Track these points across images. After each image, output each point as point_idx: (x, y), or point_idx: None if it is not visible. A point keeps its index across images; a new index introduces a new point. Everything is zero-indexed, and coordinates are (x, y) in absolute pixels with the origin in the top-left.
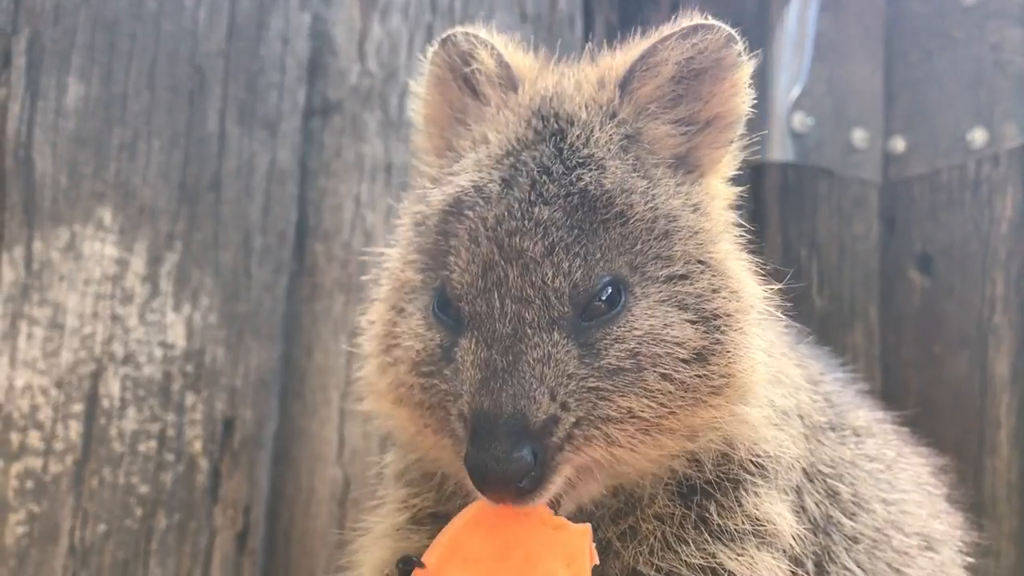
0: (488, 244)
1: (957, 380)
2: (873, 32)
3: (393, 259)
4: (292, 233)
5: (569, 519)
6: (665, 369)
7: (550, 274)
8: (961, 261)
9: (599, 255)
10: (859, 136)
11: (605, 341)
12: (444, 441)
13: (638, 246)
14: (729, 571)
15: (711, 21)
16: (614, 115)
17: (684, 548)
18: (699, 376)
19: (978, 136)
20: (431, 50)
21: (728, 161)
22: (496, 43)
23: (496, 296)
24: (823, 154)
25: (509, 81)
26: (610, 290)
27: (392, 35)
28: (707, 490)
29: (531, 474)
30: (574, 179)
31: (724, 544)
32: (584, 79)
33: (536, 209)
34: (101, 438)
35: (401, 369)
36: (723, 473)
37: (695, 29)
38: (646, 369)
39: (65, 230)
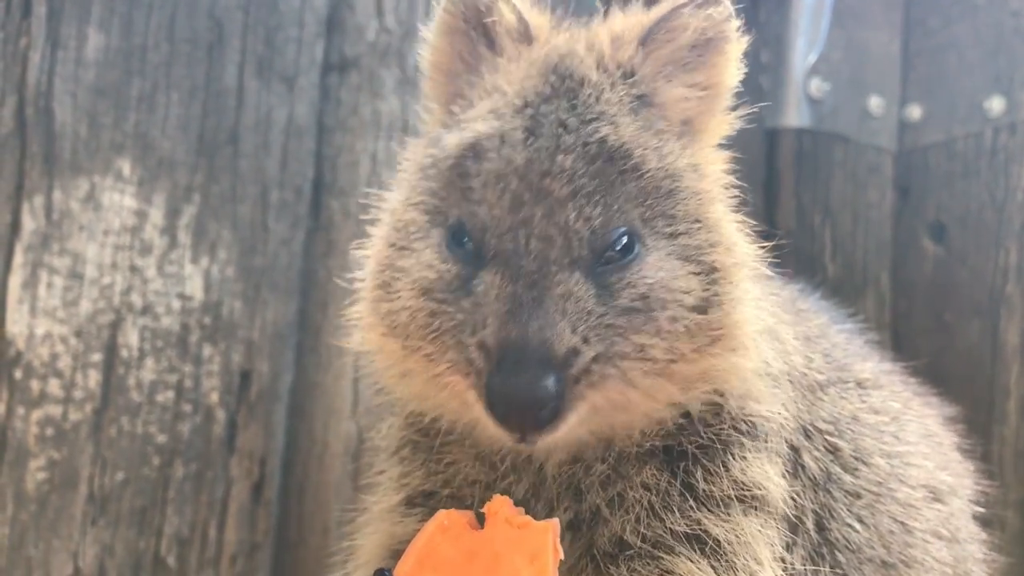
0: (518, 182)
1: (968, 349)
2: None
3: (394, 201)
4: (309, 189)
5: (544, 512)
6: (674, 313)
7: (573, 216)
8: (975, 230)
9: (616, 206)
10: (875, 103)
11: (619, 285)
12: (447, 372)
13: (648, 201)
14: (714, 537)
15: None
16: (632, 74)
17: (670, 516)
18: (700, 325)
19: (996, 104)
20: None
21: (720, 128)
22: None
23: (522, 234)
24: (839, 120)
25: (525, 36)
26: (625, 240)
27: None
28: (695, 455)
29: (551, 404)
30: (591, 131)
31: (709, 511)
32: (597, 39)
33: (560, 157)
34: (120, 387)
35: (405, 296)
36: (713, 435)
37: (708, 0)
38: (656, 311)
39: (84, 180)
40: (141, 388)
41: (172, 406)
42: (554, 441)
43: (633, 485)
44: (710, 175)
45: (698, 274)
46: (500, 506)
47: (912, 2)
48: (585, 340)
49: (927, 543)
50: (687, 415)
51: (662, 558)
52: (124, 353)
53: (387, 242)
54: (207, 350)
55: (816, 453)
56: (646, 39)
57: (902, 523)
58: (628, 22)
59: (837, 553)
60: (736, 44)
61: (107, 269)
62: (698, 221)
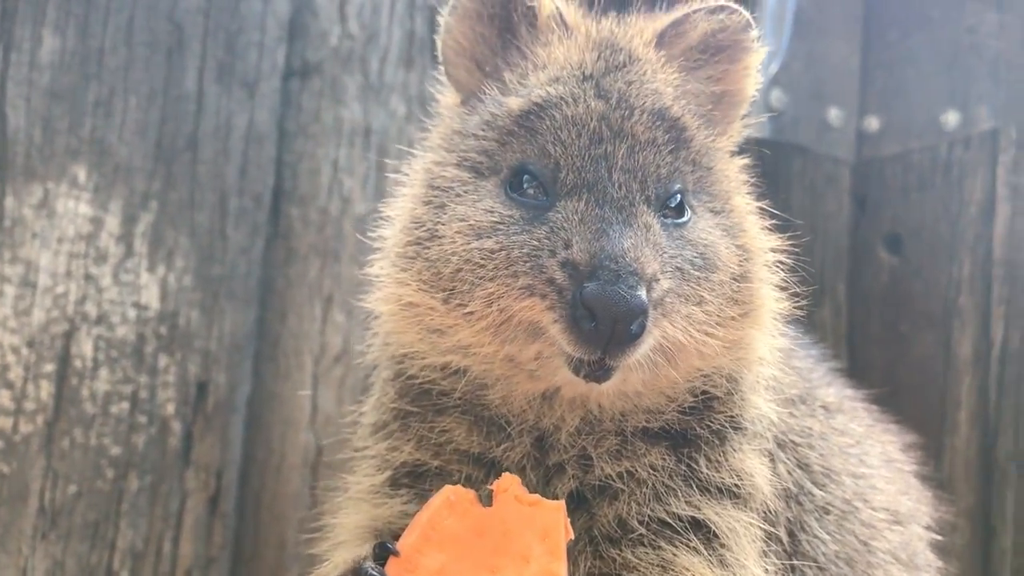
0: (598, 122)
1: (922, 359)
2: (852, 10)
3: (427, 161)
4: (268, 196)
5: (539, 483)
6: (724, 277)
7: (651, 158)
8: (930, 242)
9: (676, 165)
10: (834, 114)
11: (679, 240)
12: (518, 299)
13: (696, 172)
14: (712, 524)
15: (734, 4)
16: (665, 65)
17: (673, 500)
18: (741, 294)
19: (951, 118)
20: None
21: (733, 136)
22: None
23: (604, 166)
24: (798, 131)
25: (564, 25)
26: (679, 198)
27: None
28: (697, 443)
29: (641, 319)
30: (653, 100)
31: (710, 497)
32: (632, 29)
33: (637, 110)
34: (73, 399)
35: (457, 242)
36: (719, 425)
37: (721, 7)
38: (711, 271)
39: (39, 187)
40: (95, 399)
41: (127, 418)
42: (619, 381)
43: (642, 464)
44: (731, 169)
45: (735, 250)
46: (509, 484)
47: (871, 15)
48: (663, 271)
49: (888, 564)
50: (694, 405)
51: (662, 548)
52: (78, 363)
53: (421, 201)
54: (163, 360)
55: (788, 464)
56: (659, 41)
57: (865, 543)
58: (642, 25)
59: (806, 569)
60: (755, 55)
61: (61, 277)
62: (729, 204)
